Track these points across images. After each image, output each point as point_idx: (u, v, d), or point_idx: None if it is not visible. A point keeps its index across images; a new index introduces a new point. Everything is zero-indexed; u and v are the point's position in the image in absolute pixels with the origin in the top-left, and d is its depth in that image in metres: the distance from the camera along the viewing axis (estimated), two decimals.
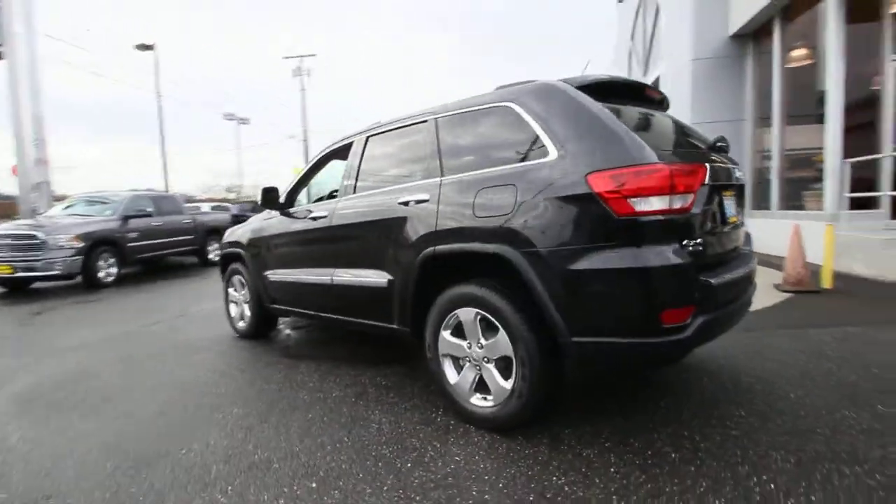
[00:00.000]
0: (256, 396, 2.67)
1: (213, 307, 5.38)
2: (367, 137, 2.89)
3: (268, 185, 3.42)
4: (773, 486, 1.60)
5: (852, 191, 5.41)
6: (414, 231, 2.32)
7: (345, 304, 2.86)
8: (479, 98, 2.30)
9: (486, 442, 2.01)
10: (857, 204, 5.46)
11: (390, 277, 2.48)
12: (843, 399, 2.21)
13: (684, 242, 1.73)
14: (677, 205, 1.70)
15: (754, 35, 7.28)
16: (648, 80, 10.29)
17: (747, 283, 2.16)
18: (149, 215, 8.61)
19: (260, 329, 3.92)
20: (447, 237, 2.15)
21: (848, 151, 5.51)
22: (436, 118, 2.45)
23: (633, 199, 1.67)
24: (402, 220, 2.40)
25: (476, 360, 2.12)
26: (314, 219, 3.04)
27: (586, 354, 1.81)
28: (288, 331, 4.21)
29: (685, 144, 2.15)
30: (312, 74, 30.73)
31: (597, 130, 1.83)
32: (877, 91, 5.54)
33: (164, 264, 10.20)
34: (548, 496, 1.61)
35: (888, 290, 4.45)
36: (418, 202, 2.32)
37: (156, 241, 8.72)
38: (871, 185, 5.52)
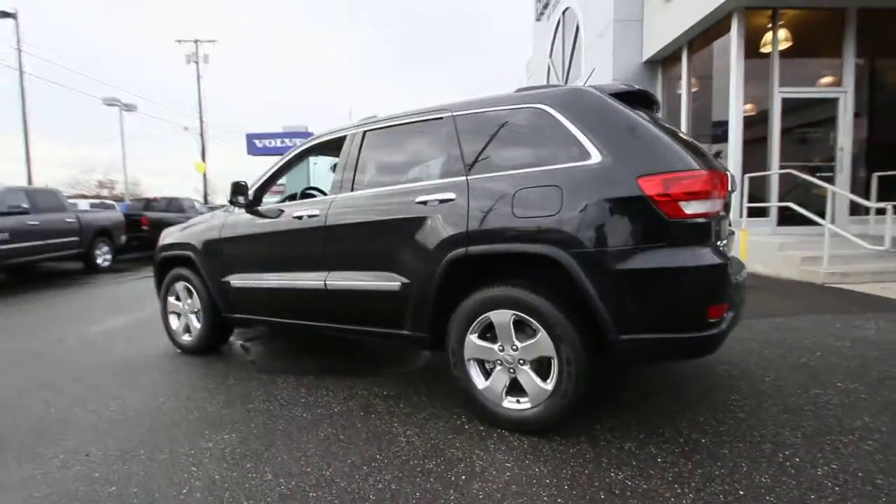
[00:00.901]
0: (245, 418, 2.34)
1: (129, 320, 4.67)
2: (365, 132, 2.71)
3: (238, 180, 3.03)
4: (797, 459, 1.80)
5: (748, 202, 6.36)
6: (437, 231, 2.21)
7: (341, 310, 2.64)
8: (504, 98, 2.28)
9: (528, 445, 1.99)
10: (750, 213, 6.43)
11: (404, 280, 2.34)
12: (808, 379, 2.57)
13: (718, 243, 1.89)
14: (714, 209, 1.85)
15: (663, 62, 8.22)
16: None
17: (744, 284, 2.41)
18: (24, 212, 7.17)
19: (213, 342, 3.46)
20: (482, 238, 2.09)
21: (746, 167, 6.48)
22: (453, 115, 2.37)
23: (682, 203, 1.77)
24: (419, 220, 2.28)
25: (509, 362, 2.09)
26: (299, 217, 2.76)
27: (633, 351, 1.88)
28: (240, 343, 3.77)
29: (698, 152, 2.35)
30: (210, 62, 27.97)
31: (640, 136, 1.91)
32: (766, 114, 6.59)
33: (39, 271, 8.58)
34: (616, 492, 1.64)
35: (787, 286, 5.29)
36: (441, 201, 2.23)
37: (31, 244, 7.30)
38: (762, 197, 6.55)
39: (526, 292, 2.00)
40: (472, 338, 2.17)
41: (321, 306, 2.70)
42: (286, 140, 34.73)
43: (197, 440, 2.12)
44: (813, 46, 6.49)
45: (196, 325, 3.45)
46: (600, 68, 8.81)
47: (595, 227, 1.86)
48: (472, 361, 2.20)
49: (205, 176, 26.88)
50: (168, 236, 3.66)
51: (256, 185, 3.08)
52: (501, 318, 2.08)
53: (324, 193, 3.72)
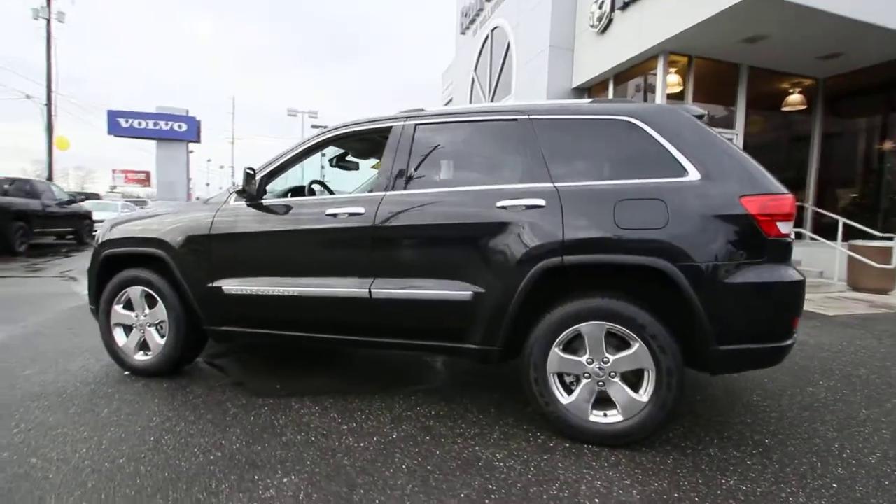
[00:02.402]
0: (292, 455, 1.94)
1: (4, 336, 3.64)
2: (416, 125, 2.46)
3: (251, 167, 2.52)
4: (849, 450, 2.06)
5: None
6: (524, 239, 2.09)
7: (389, 322, 2.34)
8: (586, 107, 2.27)
9: (626, 459, 1.96)
10: None
11: (477, 290, 2.16)
12: (798, 379, 2.98)
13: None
14: (792, 228, 2.04)
15: (590, 90, 9.01)
16: None
17: None
18: None
19: (181, 362, 2.83)
20: (580, 247, 2.03)
21: None
22: (530, 119, 2.28)
23: (779, 223, 1.93)
24: (500, 226, 2.14)
25: (599, 375, 2.05)
26: (333, 215, 2.40)
27: (725, 361, 1.97)
28: (203, 360, 3.15)
29: None
30: (66, 21, 23.30)
31: (734, 158, 2.03)
32: None
33: None
34: (741, 498, 1.70)
35: None
36: (529, 207, 2.12)
37: None
38: None
39: (625, 304, 1.99)
40: (557, 351, 2.09)
41: (361, 317, 2.37)
42: (161, 123, 30.54)
43: (252, 489, 1.69)
44: (716, 92, 7.68)
45: (158, 340, 2.79)
46: (534, 89, 9.32)
47: (701, 240, 1.93)
48: (553, 375, 2.11)
49: (50, 154, 22.13)
50: (116, 230, 2.90)
51: (261, 175, 2.61)
52: (594, 330, 2.03)
53: (329, 190, 3.33)
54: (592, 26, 8.16)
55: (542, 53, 9.07)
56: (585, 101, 2.35)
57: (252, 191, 2.51)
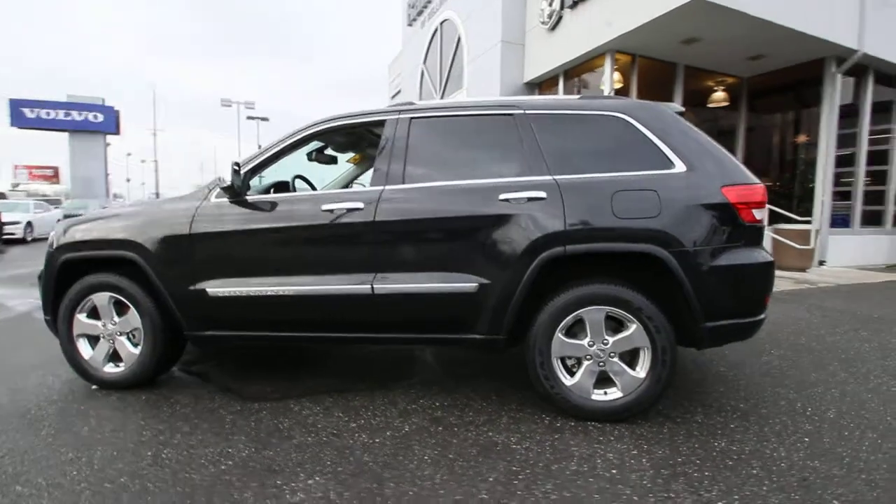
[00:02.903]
0: (308, 457, 1.89)
1: None
2: (411, 119, 2.45)
3: (237, 161, 2.38)
4: (810, 409, 2.35)
5: None
6: (527, 230, 2.17)
7: (393, 317, 2.33)
8: (577, 103, 2.37)
9: (627, 432, 2.09)
10: None
11: (483, 281, 2.22)
12: (753, 349, 3.31)
13: None
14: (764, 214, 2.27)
15: (541, 84, 9.29)
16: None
17: None
18: None
19: (158, 371, 2.65)
20: (581, 237, 2.13)
21: None
22: (526, 113, 2.35)
23: (754, 210, 2.14)
24: (503, 218, 2.20)
25: (600, 356, 2.18)
26: (330, 211, 2.34)
27: (712, 336, 2.16)
28: (176, 369, 2.96)
29: None
30: None
31: (713, 152, 2.22)
32: None
33: None
34: (738, 458, 1.88)
35: None
36: (530, 200, 2.19)
37: None
38: None
39: (623, 289, 2.13)
40: (560, 336, 2.20)
41: (364, 314, 2.34)
42: (74, 113, 27.70)
43: (278, 494, 1.64)
44: (656, 89, 8.20)
45: (131, 349, 2.59)
46: (487, 83, 9.47)
47: (689, 228, 2.10)
48: (556, 359, 2.22)
49: None
50: (75, 231, 2.64)
51: (245, 170, 2.49)
52: (595, 314, 2.16)
53: (311, 185, 3.23)
54: (543, 23, 8.42)
55: (494, 48, 9.22)
56: (575, 97, 2.46)
57: (238, 187, 2.39)
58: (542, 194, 2.19)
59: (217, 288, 2.43)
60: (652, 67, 7.99)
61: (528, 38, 9.07)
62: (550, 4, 8.17)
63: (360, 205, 2.32)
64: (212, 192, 2.53)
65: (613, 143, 2.28)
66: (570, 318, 2.18)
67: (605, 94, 7.63)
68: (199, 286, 2.45)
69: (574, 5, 7.71)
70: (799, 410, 2.34)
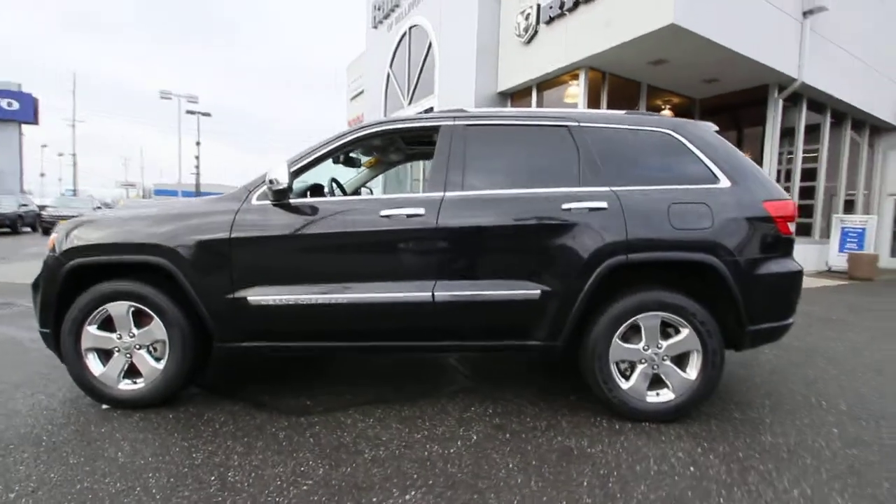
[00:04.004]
0: (392, 472, 1.82)
1: None
2: (466, 126, 2.45)
3: (282, 162, 2.23)
4: (824, 402, 2.60)
5: None
6: (591, 239, 2.24)
7: (453, 325, 2.30)
8: (629, 118, 2.49)
9: (683, 431, 2.21)
10: None
11: (545, 288, 2.25)
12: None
13: None
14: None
15: (513, 95, 9.54)
16: (416, 109, 11.56)
17: None
18: None
19: (183, 386, 2.43)
20: (642, 246, 2.23)
21: None
22: (581, 126, 2.43)
23: (788, 223, 2.34)
24: (566, 227, 2.26)
25: (653, 360, 2.29)
26: (388, 217, 2.28)
27: (753, 338, 2.33)
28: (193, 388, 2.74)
29: None
30: None
31: (752, 168, 2.41)
32: None
33: None
34: (786, 449, 2.05)
35: None
36: (592, 210, 2.26)
37: None
38: None
39: (678, 295, 2.25)
40: (618, 341, 2.28)
41: (423, 322, 2.29)
42: None
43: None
44: (622, 105, 8.70)
45: (153, 364, 2.36)
46: (460, 91, 9.57)
47: (738, 239, 2.26)
48: (614, 364, 2.30)
49: None
50: (86, 235, 2.37)
51: (291, 172, 2.35)
52: (651, 320, 2.26)
53: (342, 188, 3.12)
54: (518, 35, 8.66)
55: (469, 57, 9.35)
56: (621, 112, 2.57)
57: (287, 188, 2.25)
58: (604, 204, 2.27)
59: (260, 297, 2.27)
60: (619, 85, 8.47)
61: (503, 48, 9.29)
62: (527, 19, 8.43)
63: (422, 210, 2.28)
64: (252, 193, 2.37)
65: (662, 158, 2.42)
66: (627, 324, 2.27)
67: (581, 109, 7.98)
68: (240, 294, 2.28)
69: (550, 21, 8.01)
70: (815, 405, 2.58)
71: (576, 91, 8.34)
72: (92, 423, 2.20)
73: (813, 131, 9.45)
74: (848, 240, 9.37)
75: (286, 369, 3.01)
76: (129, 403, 2.36)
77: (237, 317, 2.30)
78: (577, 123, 2.44)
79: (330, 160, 2.77)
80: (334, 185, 3.08)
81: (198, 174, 33.37)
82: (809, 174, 9.55)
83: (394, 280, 2.28)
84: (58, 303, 2.35)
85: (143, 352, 2.38)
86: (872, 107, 9.96)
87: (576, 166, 2.38)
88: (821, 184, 9.67)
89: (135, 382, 2.38)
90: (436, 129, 2.47)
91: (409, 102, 11.99)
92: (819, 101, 9.17)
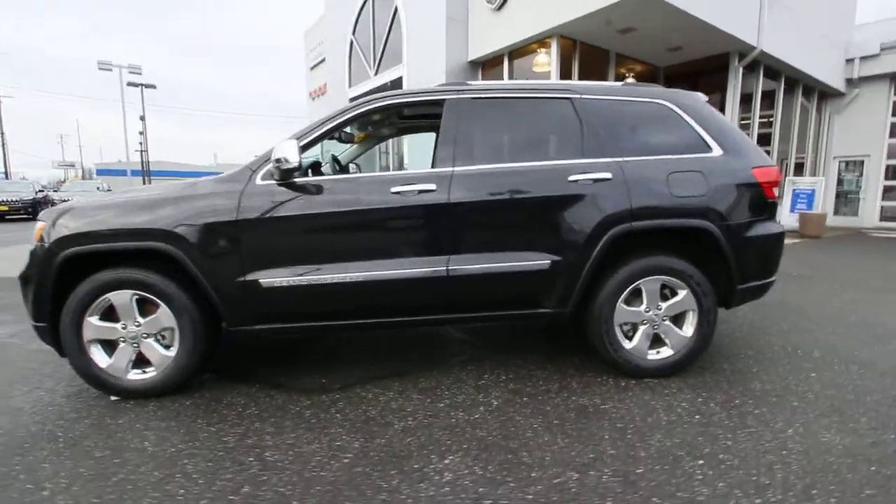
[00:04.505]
0: (429, 439, 1.90)
1: None
2: (471, 99, 2.44)
3: (289, 139, 2.16)
4: (800, 351, 2.86)
5: None
6: (596, 209, 2.33)
7: (467, 298, 2.36)
8: (628, 90, 2.55)
9: (683, 384, 2.40)
10: None
11: (554, 258, 2.34)
12: None
13: None
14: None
15: (484, 64, 9.43)
16: (384, 78, 11.25)
17: None
18: None
19: (193, 374, 2.39)
20: (645, 214, 2.34)
21: None
22: (582, 98, 2.48)
23: (773, 188, 2.51)
24: (573, 198, 2.33)
25: (654, 320, 2.45)
26: (399, 193, 2.28)
27: (742, 296, 2.53)
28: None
29: None
30: None
31: (741, 137, 2.55)
32: None
33: None
34: (778, 394, 2.28)
35: None
36: (597, 180, 2.34)
37: None
38: None
39: (678, 260, 2.40)
40: (622, 305, 2.42)
41: (438, 296, 2.34)
42: None
43: (423, 477, 1.65)
44: (591, 72, 8.79)
45: (163, 352, 2.31)
46: (430, 61, 9.36)
47: (730, 204, 2.41)
48: (618, 326, 2.44)
49: None
50: (79, 221, 2.24)
51: (297, 148, 2.29)
52: (652, 283, 2.41)
53: (341, 166, 3.06)
54: (489, 2, 8.50)
55: (438, 24, 9.11)
56: (618, 84, 2.63)
57: (296, 167, 2.20)
58: (608, 175, 2.35)
59: (273, 278, 2.25)
60: (589, 53, 8.53)
61: (472, 15, 9.11)
62: None
63: (433, 186, 2.29)
64: (256, 173, 2.31)
65: (659, 128, 2.51)
66: (631, 288, 2.40)
67: (552, 77, 8.01)
68: (251, 277, 2.25)
69: None
70: (792, 353, 2.85)
71: (545, 59, 8.36)
72: (107, 416, 2.15)
73: (767, 97, 9.91)
74: (798, 201, 10.04)
75: (292, 350, 3.01)
76: (142, 393, 2.32)
77: (249, 300, 2.27)
78: (579, 96, 2.48)
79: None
80: (333, 162, 3.01)
81: (144, 151, 31.35)
82: (765, 139, 10.06)
83: (408, 256, 2.31)
84: (53, 295, 2.24)
85: (150, 340, 2.31)
86: (822, 73, 10.51)
87: (579, 138, 2.45)
88: (775, 148, 10.22)
89: (145, 372, 2.33)
90: (440, 102, 2.45)
91: (376, 72, 11.63)
92: (775, 69, 9.58)
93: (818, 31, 10.10)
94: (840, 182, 12.70)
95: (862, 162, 12.32)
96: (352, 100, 13.28)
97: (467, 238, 2.33)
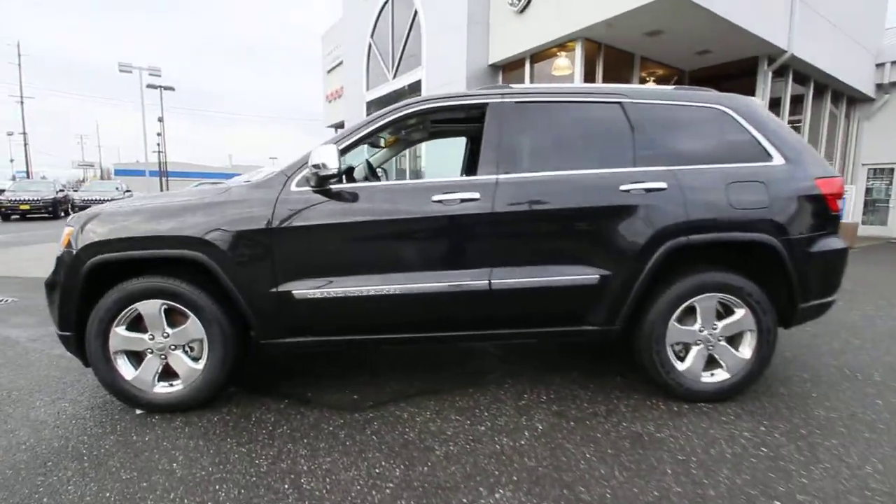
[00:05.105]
0: (469, 471, 1.77)
1: None
2: (515, 103, 2.32)
3: (328, 143, 2.05)
4: (859, 375, 2.68)
5: None
6: (651, 220, 2.18)
7: (510, 312, 2.23)
8: (680, 94, 2.40)
9: (740, 410, 2.23)
10: None
11: (604, 272, 2.20)
12: None
13: None
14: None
15: (504, 67, 9.30)
16: (402, 82, 11.18)
17: None
18: None
19: (222, 387, 2.29)
20: (703, 227, 2.19)
21: None
22: (633, 102, 2.33)
23: (837, 200, 2.34)
24: (625, 209, 2.19)
25: (709, 341, 2.29)
26: (441, 202, 2.15)
27: (803, 315, 2.35)
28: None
29: None
30: None
31: (803, 145, 2.38)
32: None
33: None
34: (845, 422, 2.10)
35: None
36: (650, 190, 2.19)
37: None
38: None
39: (736, 276, 2.24)
40: (674, 323, 2.26)
41: (479, 311, 2.21)
42: None
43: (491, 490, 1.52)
44: (616, 76, 8.61)
45: (191, 364, 2.21)
46: (450, 64, 9.26)
47: (792, 217, 2.24)
48: (670, 346, 2.29)
49: None
50: (107, 227, 2.16)
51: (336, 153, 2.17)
52: (708, 301, 2.25)
53: (376, 174, 2.95)
54: (511, 4, 8.37)
55: (459, 27, 9.00)
56: (669, 87, 2.48)
57: (336, 174, 2.09)
58: (663, 185, 2.20)
59: (307, 290, 2.14)
60: (613, 57, 8.35)
61: (494, 18, 8.98)
62: None
63: (477, 195, 2.16)
64: (291, 179, 2.20)
65: (716, 135, 2.36)
66: (684, 306, 2.25)
67: (575, 81, 7.86)
68: (284, 288, 2.14)
69: None
70: (851, 376, 2.66)
71: (565, 63, 8.19)
72: (133, 432, 2.05)
73: (795, 102, 9.62)
74: None
75: (313, 361, 2.90)
76: (167, 407, 2.22)
77: (282, 312, 2.17)
78: (630, 100, 2.34)
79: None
80: (367, 168, 2.91)
81: (162, 152, 31.74)
82: None
83: (448, 269, 2.18)
84: (79, 303, 2.16)
85: (178, 352, 2.22)
86: (852, 78, 10.19)
87: (630, 145, 2.30)
88: None
89: (171, 385, 2.24)
90: (483, 106, 2.33)
91: (394, 76, 11.56)
92: (804, 73, 9.30)
93: (848, 35, 9.79)
94: (868, 190, 12.31)
95: (892, 169, 11.93)
96: (369, 103, 13.32)
97: (511, 250, 2.20)
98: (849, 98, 11.35)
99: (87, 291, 2.16)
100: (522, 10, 8.25)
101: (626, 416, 2.19)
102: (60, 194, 16.97)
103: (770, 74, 8.38)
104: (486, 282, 2.17)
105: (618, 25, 7.05)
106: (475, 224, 2.17)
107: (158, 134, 31.22)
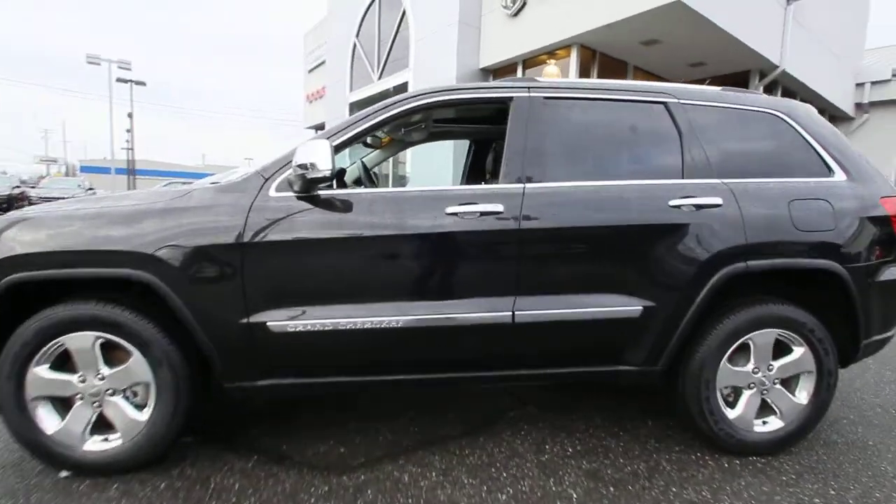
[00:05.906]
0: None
1: None
2: (544, 98, 1.95)
3: (315, 139, 1.63)
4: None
5: None
6: (704, 242, 1.83)
7: (536, 349, 1.85)
8: (734, 96, 2.09)
9: (798, 466, 1.90)
10: None
11: (647, 303, 1.84)
12: None
13: None
14: None
15: (495, 72, 9.01)
16: (388, 83, 10.77)
17: None
18: None
19: (173, 441, 1.82)
20: (763, 251, 1.85)
21: None
22: (682, 103, 2.00)
23: None
24: (676, 228, 1.84)
25: (765, 384, 1.95)
26: (455, 215, 1.76)
27: (864, 352, 2.05)
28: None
29: None
30: None
31: (862, 159, 2.09)
32: None
33: None
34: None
35: None
36: (701, 207, 1.85)
37: None
38: None
39: (797, 309, 1.92)
40: (727, 364, 1.92)
41: (498, 347, 1.82)
42: None
43: None
44: None
45: (133, 414, 1.75)
46: (439, 66, 8.91)
47: (858, 242, 1.94)
48: (720, 391, 1.94)
49: None
50: (28, 236, 1.68)
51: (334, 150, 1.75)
52: (765, 338, 1.92)
53: (371, 178, 2.54)
54: (505, 7, 8.09)
55: (449, 28, 8.68)
56: (717, 88, 2.16)
57: (329, 176, 1.66)
58: (718, 200, 1.86)
59: (286, 321, 1.70)
60: (607, 65, 8.16)
61: (485, 20, 8.69)
62: None
63: (500, 207, 1.77)
64: (270, 181, 1.77)
65: (771, 144, 2.04)
66: (738, 343, 1.91)
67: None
68: (257, 318, 1.70)
69: None
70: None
71: (553, 71, 7.95)
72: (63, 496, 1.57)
73: None
74: None
75: (290, 402, 2.43)
76: (102, 468, 1.74)
77: (254, 348, 1.72)
78: (676, 100, 2.00)
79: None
80: (363, 171, 2.48)
81: (131, 149, 30.31)
82: None
83: (463, 297, 1.78)
84: None
85: (117, 398, 1.74)
86: (835, 96, 10.32)
87: (677, 152, 1.96)
88: None
89: (107, 440, 1.76)
90: (506, 100, 1.95)
91: (380, 77, 11.14)
92: (792, 90, 9.33)
93: (831, 54, 9.92)
94: None
95: None
96: (352, 104, 12.85)
97: (539, 274, 1.81)
98: (830, 117, 11.52)
99: (1, 319, 1.68)
100: (517, 14, 7.99)
101: (673, 476, 1.82)
102: (17, 191, 15.79)
103: (760, 90, 8.33)
104: (509, 312, 1.78)
105: (617, 29, 6.83)
106: (497, 243, 1.78)
107: (128, 130, 29.84)
